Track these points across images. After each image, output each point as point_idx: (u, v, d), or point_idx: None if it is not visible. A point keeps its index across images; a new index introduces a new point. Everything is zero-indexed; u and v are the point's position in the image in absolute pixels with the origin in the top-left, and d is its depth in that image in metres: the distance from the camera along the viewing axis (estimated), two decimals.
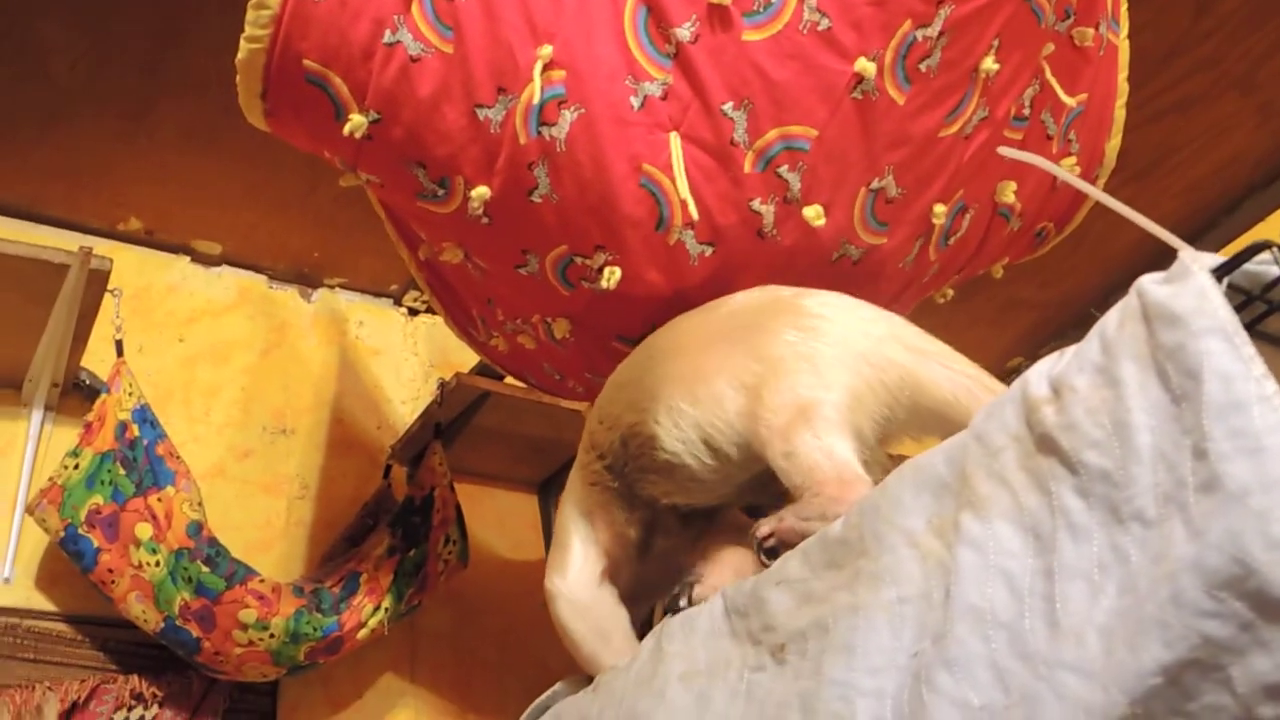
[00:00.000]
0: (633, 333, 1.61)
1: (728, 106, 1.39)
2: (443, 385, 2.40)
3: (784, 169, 1.41)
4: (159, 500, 1.98)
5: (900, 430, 1.32)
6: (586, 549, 1.50)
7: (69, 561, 2.01)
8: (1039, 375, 0.97)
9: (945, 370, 1.32)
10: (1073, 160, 1.78)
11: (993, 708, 0.89)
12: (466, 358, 2.52)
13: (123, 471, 1.98)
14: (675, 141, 1.40)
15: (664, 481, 1.44)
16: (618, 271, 1.48)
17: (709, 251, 1.47)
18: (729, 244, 1.47)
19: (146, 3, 2.10)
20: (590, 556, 1.50)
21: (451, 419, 2.47)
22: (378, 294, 2.83)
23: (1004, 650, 0.90)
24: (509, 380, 2.25)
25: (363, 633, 2.13)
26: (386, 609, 2.16)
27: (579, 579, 1.49)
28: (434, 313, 2.72)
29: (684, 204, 1.40)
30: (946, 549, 0.99)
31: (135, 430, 2.00)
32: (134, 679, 2.07)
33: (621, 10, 1.39)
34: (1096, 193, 1.05)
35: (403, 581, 2.21)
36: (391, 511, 2.35)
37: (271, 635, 1.97)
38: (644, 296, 1.52)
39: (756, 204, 1.43)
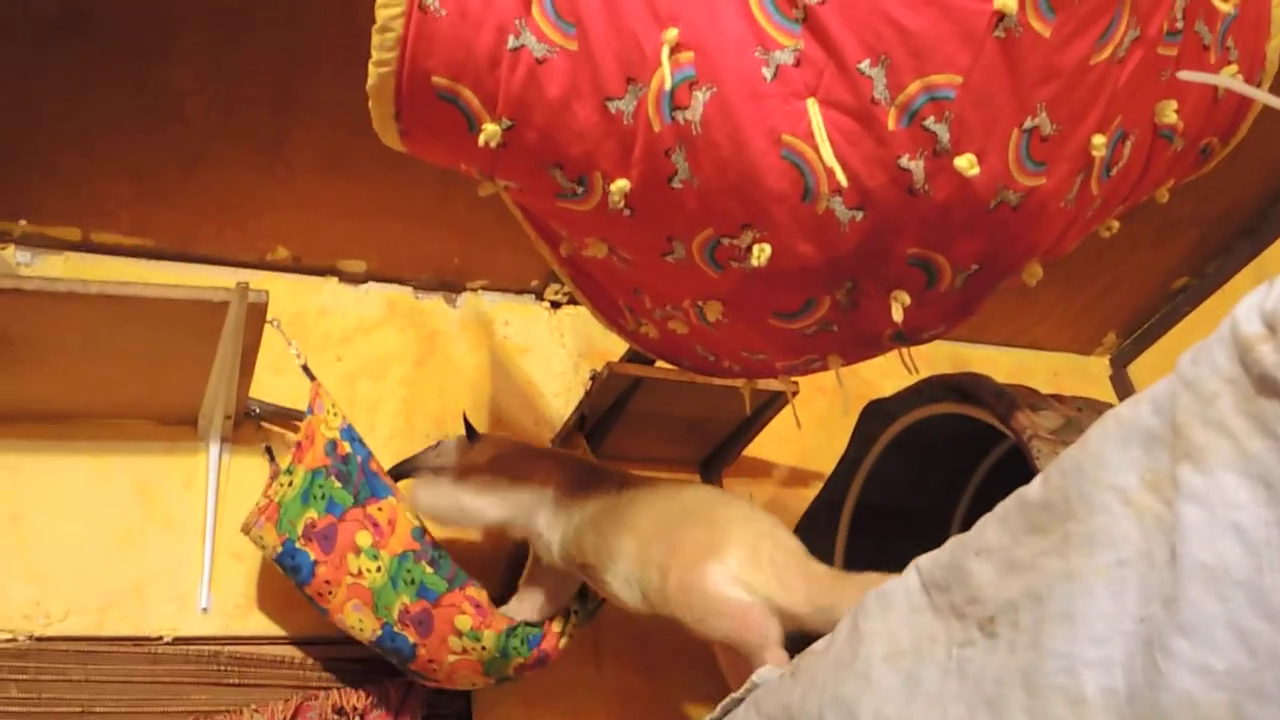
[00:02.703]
0: (789, 307, 1.57)
1: (864, 64, 1.34)
2: (594, 376, 2.40)
3: (930, 121, 1.35)
4: (379, 509, 2.02)
5: None
6: None
7: (263, 585, 2.08)
8: (1248, 310, 0.90)
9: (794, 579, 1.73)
10: (1234, 68, 1.67)
11: (1238, 672, 0.84)
12: (613, 345, 2.52)
13: (338, 484, 2.02)
14: (814, 108, 1.36)
15: (594, 585, 2.04)
16: (767, 248, 1.45)
17: (860, 216, 1.42)
18: (880, 205, 1.42)
19: (268, 38, 2.14)
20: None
21: (607, 407, 2.47)
22: (520, 291, 2.85)
23: (1244, 610, 0.84)
24: (660, 364, 2.24)
25: (563, 641, 2.15)
26: (575, 611, 2.17)
27: None
28: (576, 304, 2.73)
29: (830, 171, 1.36)
30: (1165, 505, 0.93)
31: (347, 447, 2.04)
32: (335, 693, 2.13)
33: None
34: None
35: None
36: None
37: (483, 647, 2.00)
38: (797, 270, 1.49)
39: (905, 161, 1.38)
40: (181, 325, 2.05)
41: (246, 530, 2.06)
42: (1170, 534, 0.92)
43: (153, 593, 2.13)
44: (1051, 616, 1.00)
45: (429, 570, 1.97)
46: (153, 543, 2.18)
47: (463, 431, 2.21)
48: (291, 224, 2.54)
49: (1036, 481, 1.07)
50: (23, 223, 2.38)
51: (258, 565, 2.21)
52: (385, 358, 2.61)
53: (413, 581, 1.96)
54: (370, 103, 1.49)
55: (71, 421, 2.24)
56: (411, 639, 2.00)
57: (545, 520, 2.05)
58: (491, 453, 2.16)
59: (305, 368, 2.14)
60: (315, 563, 1.99)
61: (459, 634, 1.99)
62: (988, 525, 1.13)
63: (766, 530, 1.82)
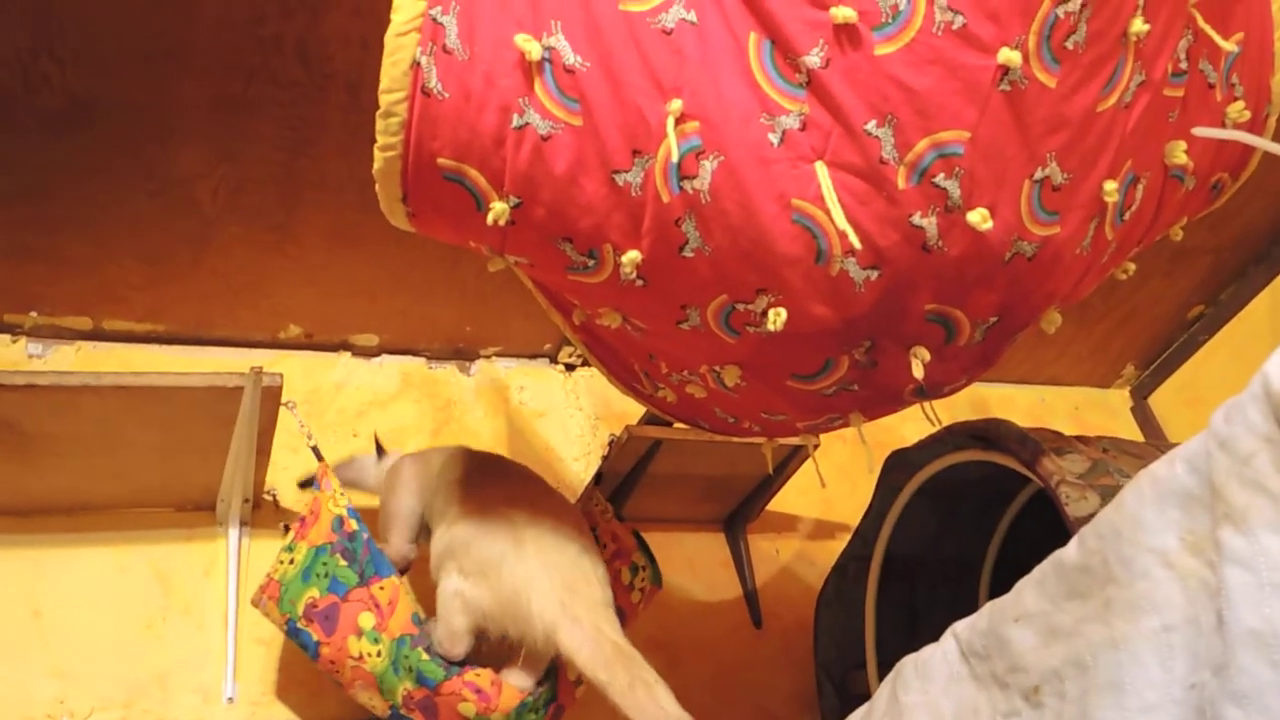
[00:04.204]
0: (808, 369, 1.56)
1: (871, 125, 1.33)
2: (613, 441, 2.38)
3: (940, 178, 1.35)
4: (381, 588, 1.97)
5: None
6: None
7: (288, 672, 2.05)
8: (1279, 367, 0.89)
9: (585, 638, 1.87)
10: (1240, 105, 1.66)
11: None
12: (631, 405, 2.49)
13: (343, 563, 1.98)
14: (822, 171, 1.35)
15: None
16: (783, 312, 1.43)
17: (874, 275, 1.41)
18: (894, 264, 1.40)
19: (272, 120, 2.16)
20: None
21: (628, 471, 2.45)
22: (533, 356, 2.84)
23: None
24: (678, 425, 2.22)
25: (579, 690, 2.11)
26: None
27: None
28: (591, 366, 2.72)
29: (843, 235, 1.35)
30: (1208, 568, 0.91)
31: (353, 525, 2.00)
32: None
33: (745, 49, 1.35)
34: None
35: None
36: None
37: None
38: (814, 332, 1.47)
39: (917, 218, 1.37)
40: (197, 412, 2.04)
41: (255, 605, 2.04)
42: (1216, 598, 0.90)
43: (177, 684, 2.10)
44: (1098, 686, 0.97)
45: (425, 658, 1.93)
46: (175, 632, 2.16)
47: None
48: (302, 301, 2.54)
49: (1073, 544, 1.05)
50: (34, 314, 2.39)
51: (282, 651, 2.18)
52: (402, 430, 2.60)
53: (411, 669, 1.92)
54: (377, 186, 1.48)
55: (89, 512, 2.22)
56: None
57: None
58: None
59: (315, 449, 2.12)
60: (318, 643, 1.95)
61: (466, 719, 1.95)
62: (1025, 590, 1.10)
63: (566, 577, 1.94)
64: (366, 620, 1.93)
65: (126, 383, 1.97)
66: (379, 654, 1.93)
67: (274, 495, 2.33)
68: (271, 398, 2.04)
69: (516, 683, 1.99)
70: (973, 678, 1.14)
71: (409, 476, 2.18)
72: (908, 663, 1.26)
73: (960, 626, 1.18)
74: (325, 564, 1.98)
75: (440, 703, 1.93)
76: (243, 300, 2.49)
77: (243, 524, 2.30)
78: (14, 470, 2.07)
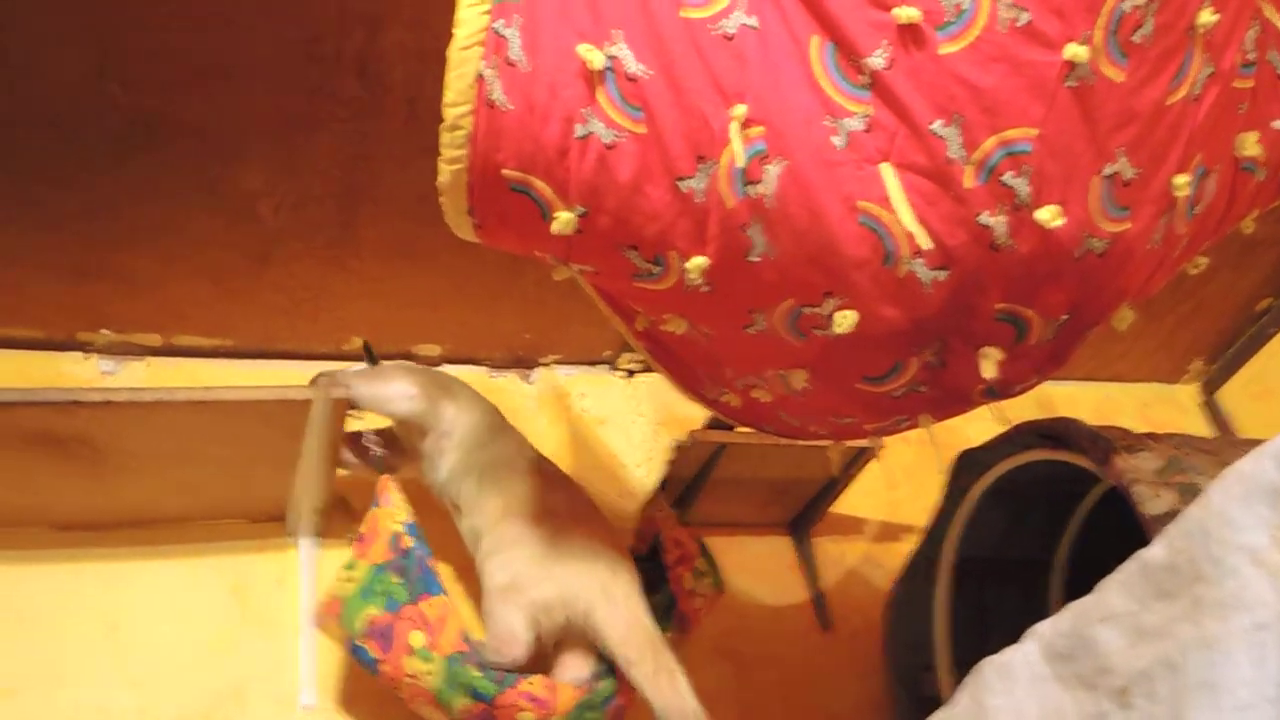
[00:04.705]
0: (876, 371, 1.55)
1: (937, 125, 1.32)
2: (678, 447, 2.38)
3: (1008, 176, 1.34)
4: (430, 606, 1.98)
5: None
6: None
7: (363, 679, 2.06)
8: None
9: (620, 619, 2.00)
10: None
11: None
12: (692, 410, 2.49)
13: (397, 580, 2.00)
14: (888, 172, 1.35)
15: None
16: (850, 314, 1.43)
17: (943, 276, 1.40)
18: (962, 264, 1.40)
19: (334, 135, 2.18)
20: None
21: (692, 475, 2.45)
22: (593, 363, 2.85)
23: None
24: (741, 429, 2.21)
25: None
26: None
27: None
28: (652, 370, 2.72)
29: (910, 236, 1.34)
30: None
31: (409, 541, 2.01)
32: None
33: (807, 52, 1.35)
34: None
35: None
36: None
37: None
38: (883, 334, 1.47)
39: (985, 217, 1.36)
40: (267, 424, 2.07)
41: (318, 624, 2.06)
42: None
43: (254, 694, 2.12)
44: (1190, 686, 0.96)
45: (477, 673, 1.93)
46: (250, 643, 2.18)
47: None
48: (365, 314, 2.57)
49: (1158, 544, 1.04)
50: (105, 332, 2.44)
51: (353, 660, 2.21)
52: None
53: (464, 685, 1.93)
54: (442, 199, 1.50)
55: (163, 526, 2.26)
56: None
57: (446, 443, 2.18)
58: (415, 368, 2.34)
59: (379, 459, 2.14)
60: (377, 660, 1.97)
61: None
62: (1109, 590, 1.09)
63: (608, 562, 2.04)
64: (417, 639, 1.94)
65: (200, 398, 2.00)
66: (430, 672, 1.94)
67: (343, 504, 2.35)
68: (339, 408, 2.07)
69: (571, 675, 2.01)
70: (1057, 679, 1.12)
71: (420, 390, 2.20)
72: (988, 665, 1.25)
73: (1042, 628, 1.17)
74: (383, 582, 2.00)
75: (499, 715, 1.94)
76: (305, 314, 2.52)
77: (314, 534, 2.33)
78: (90, 485, 2.12)
